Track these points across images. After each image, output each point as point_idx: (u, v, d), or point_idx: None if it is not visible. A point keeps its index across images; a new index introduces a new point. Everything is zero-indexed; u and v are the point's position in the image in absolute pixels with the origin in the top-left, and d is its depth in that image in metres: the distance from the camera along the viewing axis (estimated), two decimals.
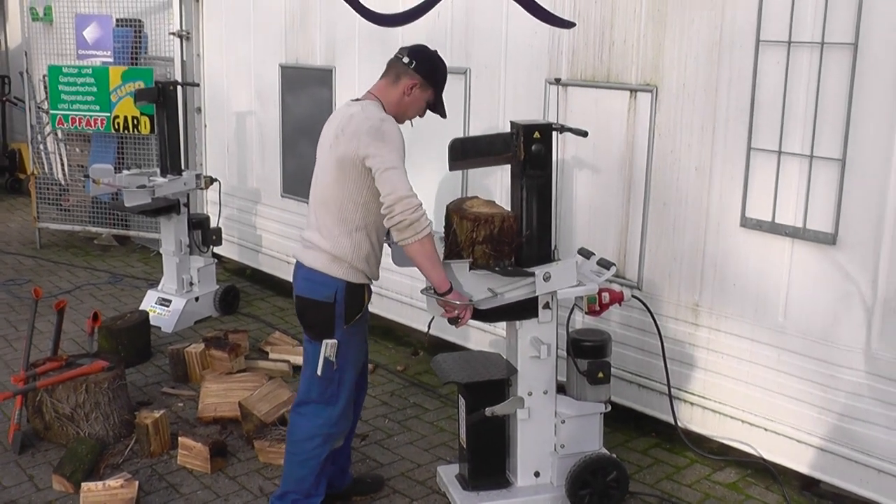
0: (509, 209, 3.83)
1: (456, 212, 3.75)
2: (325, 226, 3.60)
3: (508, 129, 3.83)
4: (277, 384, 5.19)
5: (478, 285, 3.69)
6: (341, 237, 3.56)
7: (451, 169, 3.75)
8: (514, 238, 3.72)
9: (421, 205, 3.41)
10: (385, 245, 3.81)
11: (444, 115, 3.82)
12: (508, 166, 3.84)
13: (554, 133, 3.77)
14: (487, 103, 5.40)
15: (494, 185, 5.27)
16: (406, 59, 3.65)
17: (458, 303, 3.58)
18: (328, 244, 3.58)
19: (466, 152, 3.72)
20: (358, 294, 3.65)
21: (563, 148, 4.85)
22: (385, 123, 3.48)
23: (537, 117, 5.01)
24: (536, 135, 3.68)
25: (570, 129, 3.93)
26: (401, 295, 6.15)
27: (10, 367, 5.83)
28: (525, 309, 3.82)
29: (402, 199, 3.36)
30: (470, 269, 3.68)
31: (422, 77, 3.65)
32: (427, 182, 5.27)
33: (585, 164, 4.85)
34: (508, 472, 4.07)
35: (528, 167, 3.70)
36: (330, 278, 3.59)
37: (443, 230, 3.82)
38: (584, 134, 3.96)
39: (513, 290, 3.73)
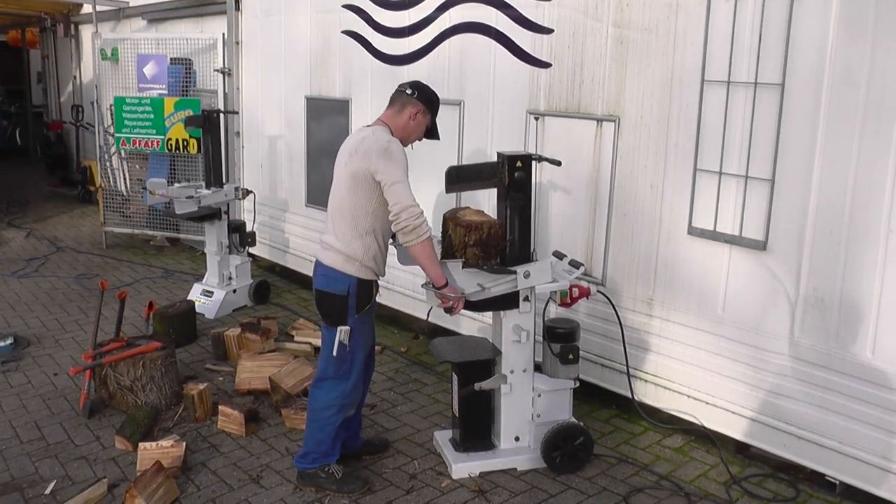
0: (496, 217, 3.84)
1: (451, 219, 3.75)
2: (340, 230, 3.58)
3: (495, 158, 3.82)
4: (301, 362, 5.14)
5: (469, 281, 3.69)
6: (354, 240, 3.54)
7: (447, 192, 3.77)
8: (500, 242, 3.73)
9: (423, 213, 3.42)
10: (391, 247, 3.80)
11: (437, 138, 3.81)
12: (495, 189, 3.85)
13: (533, 162, 3.78)
14: (478, 129, 5.35)
15: (483, 198, 5.24)
16: (409, 91, 3.64)
17: (452, 295, 3.58)
18: (343, 246, 3.56)
19: (460, 178, 3.73)
20: (367, 288, 3.63)
21: (541, 170, 4.83)
22: (392, 144, 3.46)
23: (519, 142, 4.98)
24: (519, 164, 3.69)
25: (547, 159, 3.95)
26: (404, 288, 6.10)
27: (81, 347, 5.81)
28: (508, 301, 3.82)
29: (407, 208, 3.35)
30: (462, 267, 3.69)
31: (423, 105, 3.64)
32: (427, 195, 5.27)
33: (559, 182, 4.83)
34: (493, 437, 4.06)
35: (511, 191, 3.70)
36: (344, 275, 3.57)
37: (440, 235, 3.82)
38: (558, 163, 3.99)
39: (498, 285, 3.73)
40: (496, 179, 3.72)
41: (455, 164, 5.20)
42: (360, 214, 3.51)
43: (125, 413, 4.65)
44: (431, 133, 3.75)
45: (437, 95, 3.71)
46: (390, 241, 3.72)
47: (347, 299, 3.55)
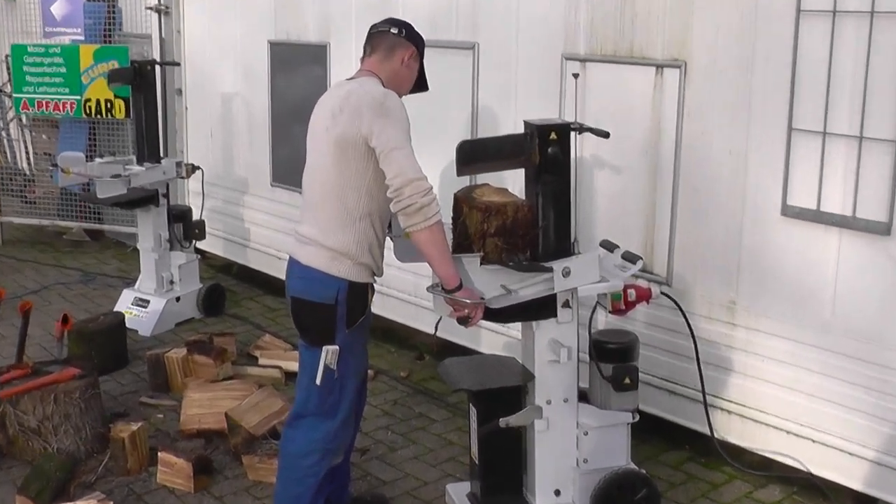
0: (524, 198, 3.86)
1: (464, 201, 3.77)
2: (324, 218, 3.63)
3: (521, 125, 3.90)
4: (268, 393, 5.19)
5: (490, 282, 3.70)
6: (343, 229, 3.60)
7: (459, 174, 3.79)
8: (529, 230, 3.75)
9: (432, 188, 3.44)
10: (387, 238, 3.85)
11: (426, 88, 3.94)
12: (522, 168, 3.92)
13: (573, 133, 3.83)
14: (497, 81, 5.41)
15: (507, 171, 5.12)
16: (395, 30, 3.73)
17: (468, 301, 3.59)
18: (328, 239, 3.62)
19: (475, 156, 3.78)
20: (361, 294, 3.69)
21: (583, 142, 4.84)
22: (389, 99, 3.51)
23: (552, 101, 5.04)
24: (553, 136, 3.73)
25: (592, 130, 3.97)
26: (404, 293, 6.18)
27: None
28: (542, 308, 3.84)
29: (412, 181, 3.39)
30: (481, 263, 3.70)
31: (414, 46, 3.75)
32: (430, 166, 5.11)
33: (607, 152, 4.86)
34: (525, 491, 4.08)
35: (543, 172, 3.76)
36: (330, 277, 3.62)
37: (451, 221, 3.84)
38: (606, 135, 3.98)
39: (528, 287, 3.74)
40: (523, 158, 3.78)
41: (467, 136, 5.33)
42: (351, 195, 3.58)
43: (30, 464, 4.65)
44: (420, 84, 3.88)
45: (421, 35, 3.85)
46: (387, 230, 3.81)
47: (335, 309, 3.61)
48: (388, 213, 3.67)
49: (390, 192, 3.43)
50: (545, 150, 3.75)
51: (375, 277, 3.78)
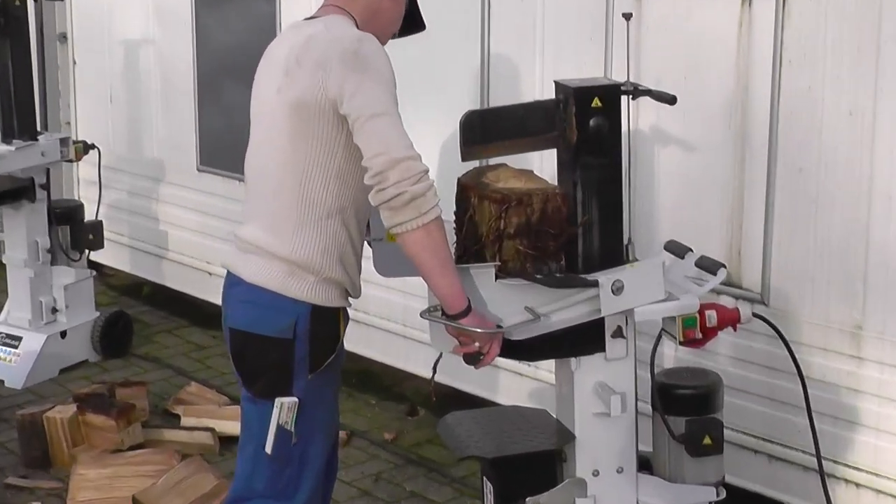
0: (556, 184, 3.88)
1: (473, 189, 3.80)
2: (276, 215, 3.66)
3: (543, 77, 4.13)
4: (196, 467, 5.18)
5: (510, 303, 3.72)
6: (303, 232, 3.62)
7: (464, 158, 3.85)
8: (565, 228, 3.78)
9: (427, 171, 3.46)
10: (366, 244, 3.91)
11: (422, 27, 4.03)
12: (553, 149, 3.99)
13: (625, 98, 3.88)
14: (518, 23, 5.44)
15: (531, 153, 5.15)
16: None
17: (479, 331, 3.58)
18: (282, 245, 3.64)
19: (486, 133, 3.83)
20: (331, 323, 3.72)
21: (638, 110, 4.92)
22: (365, 44, 3.54)
23: (595, 50, 5.09)
24: (596, 103, 3.79)
25: (651, 93, 4.04)
26: (388, 321, 6.19)
27: None
28: (584, 339, 3.85)
29: (400, 161, 3.40)
30: (496, 277, 3.72)
31: None
32: (424, 141, 4.88)
33: (672, 117, 4.86)
34: None
35: (583, 152, 3.80)
36: (286, 301, 3.65)
37: (453, 218, 3.86)
38: (671, 100, 4.06)
39: (564, 310, 3.75)
40: (555, 134, 3.83)
41: (474, 101, 5.40)
42: (314, 183, 3.62)
43: None
44: (414, 19, 3.94)
45: None
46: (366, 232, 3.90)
47: (293, 346, 3.66)
48: (366, 208, 3.69)
49: (369, 177, 3.43)
50: (585, 123, 3.79)
51: (350, 299, 3.81)
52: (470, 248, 3.80)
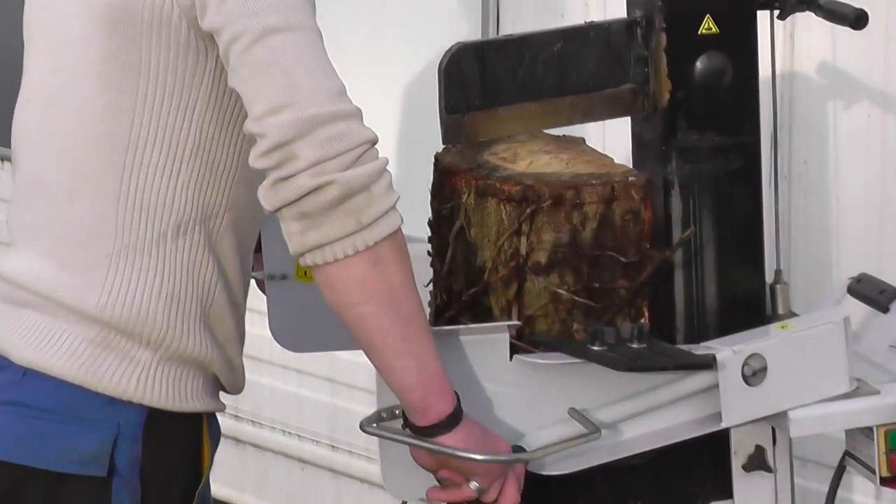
0: (630, 168, 3.06)
1: (466, 176, 2.92)
2: (74, 231, 2.78)
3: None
4: None
5: (539, 400, 2.82)
6: (127, 263, 2.75)
7: (447, 137, 3.00)
8: (648, 251, 2.84)
9: (375, 143, 2.52)
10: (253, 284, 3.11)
11: None
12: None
13: (772, 12, 3.20)
14: None
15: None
16: None
17: (479, 457, 2.63)
18: (86, 290, 2.73)
19: (490, 88, 3.01)
20: (183, 443, 2.86)
21: (788, 43, 4.15)
22: None
23: None
24: (708, 25, 3.00)
25: (820, 7, 3.25)
26: (300, 438, 5.37)
27: None
28: (688, 473, 2.98)
29: (320, 120, 2.47)
30: (513, 349, 2.73)
31: None
32: (373, 98, 4.11)
33: (860, 51, 4.10)
34: None
35: (684, 123, 2.98)
36: (95, 401, 2.73)
37: (426, 236, 3.06)
38: (858, 20, 3.21)
39: (648, 416, 2.83)
40: (626, 88, 3.06)
41: (472, 29, 4.88)
42: (150, 167, 2.79)
43: None
44: None
45: None
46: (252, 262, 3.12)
47: (108, 494, 2.74)
48: (255, 217, 2.81)
49: (259, 155, 2.45)
50: (687, 66, 2.94)
51: (223, 396, 2.93)
52: (459, 293, 2.88)
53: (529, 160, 2.87)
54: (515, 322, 2.72)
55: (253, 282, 3.02)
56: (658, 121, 2.97)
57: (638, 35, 2.99)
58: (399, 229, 2.43)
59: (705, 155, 2.94)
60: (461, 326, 2.76)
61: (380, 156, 2.41)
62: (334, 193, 2.39)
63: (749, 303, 3.00)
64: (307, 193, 2.40)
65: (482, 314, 2.82)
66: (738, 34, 2.98)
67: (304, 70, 2.48)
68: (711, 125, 2.94)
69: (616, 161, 2.97)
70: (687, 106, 2.91)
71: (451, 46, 2.90)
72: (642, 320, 2.79)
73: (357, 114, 2.43)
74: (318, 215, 2.44)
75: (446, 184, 2.92)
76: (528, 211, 2.73)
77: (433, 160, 2.96)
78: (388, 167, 2.44)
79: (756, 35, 3.01)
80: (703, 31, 2.91)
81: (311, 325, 3.07)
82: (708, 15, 2.90)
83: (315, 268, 2.43)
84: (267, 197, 2.42)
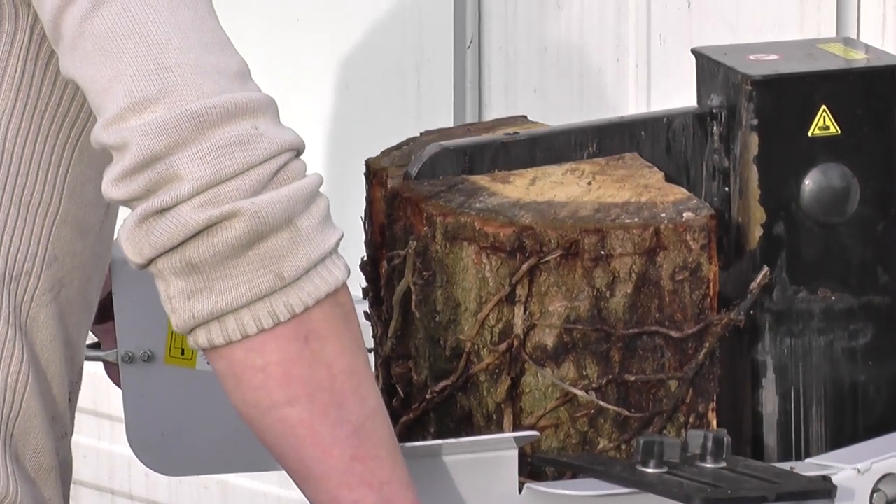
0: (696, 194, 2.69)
1: (425, 207, 2.51)
2: None
3: None
4: None
5: None
6: None
7: (411, 172, 2.63)
8: (713, 322, 2.40)
9: (298, 149, 2.02)
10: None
11: None
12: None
13: None
14: None
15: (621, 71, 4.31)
16: None
17: None
18: None
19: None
20: None
21: None
22: None
23: None
24: (823, 123, 2.63)
25: None
26: None
27: None
28: None
29: (209, 115, 1.93)
30: (525, 485, 2.25)
31: None
32: (295, 93, 4.33)
33: None
34: None
35: (782, 279, 2.61)
36: None
37: (361, 285, 2.56)
38: None
39: None
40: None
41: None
42: None
43: None
44: None
45: None
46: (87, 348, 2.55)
47: None
48: (89, 272, 2.28)
49: (113, 176, 1.91)
50: (789, 184, 2.63)
51: None
52: (423, 388, 2.45)
53: (532, 176, 2.32)
54: (531, 433, 2.18)
55: (101, 368, 2.55)
56: (744, 268, 2.45)
57: (715, 136, 2.46)
58: (343, 287, 1.89)
59: (817, 323, 2.43)
60: (444, 441, 2.18)
61: (308, 171, 1.87)
62: (238, 232, 1.85)
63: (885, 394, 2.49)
64: (196, 234, 1.85)
65: (458, 421, 2.31)
66: (871, 136, 2.42)
67: (180, 42, 1.90)
68: (827, 277, 2.43)
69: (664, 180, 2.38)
70: (790, 247, 2.41)
71: (426, 148, 2.42)
72: (712, 427, 2.24)
73: (268, 106, 1.87)
74: (215, 268, 1.88)
75: (397, 216, 2.38)
76: (524, 267, 2.21)
77: (364, 169, 2.41)
78: (321, 188, 1.87)
79: None
80: (817, 130, 2.40)
81: (195, 434, 2.49)
82: (824, 106, 2.39)
83: (212, 350, 1.85)
84: (133, 242, 1.84)
